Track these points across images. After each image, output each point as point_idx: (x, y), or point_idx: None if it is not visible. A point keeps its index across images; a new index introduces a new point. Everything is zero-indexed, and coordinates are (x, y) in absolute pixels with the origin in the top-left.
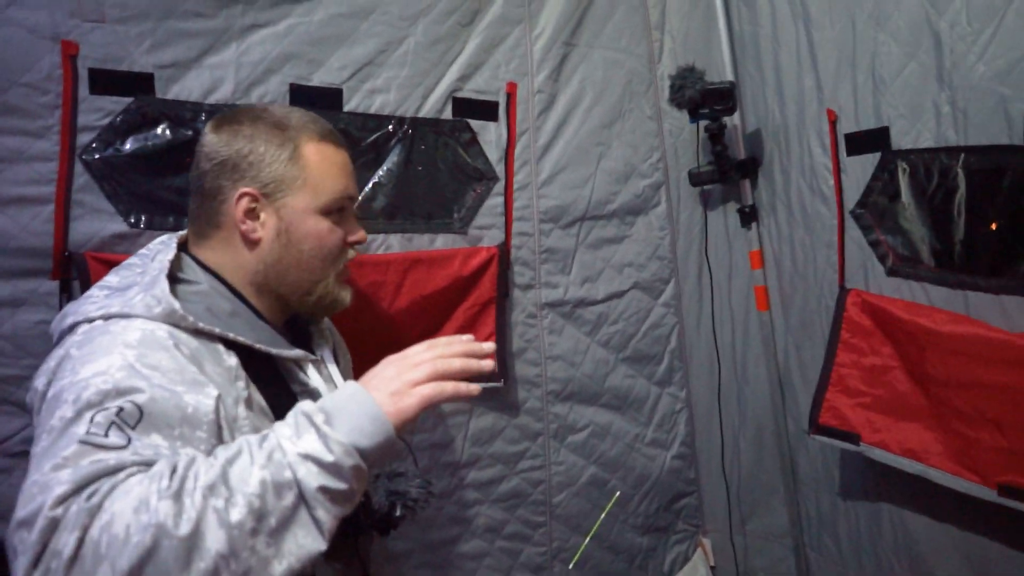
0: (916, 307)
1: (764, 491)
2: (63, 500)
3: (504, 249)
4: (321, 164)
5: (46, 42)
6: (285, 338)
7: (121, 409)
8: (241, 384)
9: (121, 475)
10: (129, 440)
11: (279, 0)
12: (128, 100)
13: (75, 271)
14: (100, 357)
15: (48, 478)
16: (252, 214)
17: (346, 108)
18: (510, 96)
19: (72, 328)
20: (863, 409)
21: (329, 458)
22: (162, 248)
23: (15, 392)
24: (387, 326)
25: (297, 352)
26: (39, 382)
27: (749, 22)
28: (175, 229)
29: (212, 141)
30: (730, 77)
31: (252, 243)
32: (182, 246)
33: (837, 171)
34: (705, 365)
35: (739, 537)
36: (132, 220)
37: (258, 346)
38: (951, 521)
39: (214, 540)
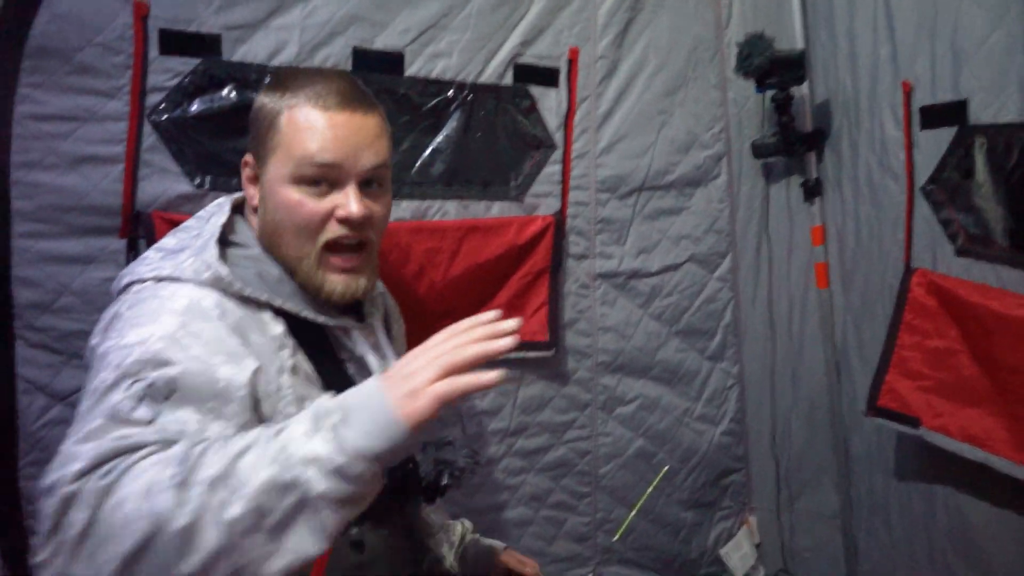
0: (986, 289)
1: (814, 471)
2: (80, 476)
3: (560, 218)
4: (293, 129)
5: (119, 2)
6: (332, 305)
7: (153, 383)
8: (287, 352)
9: (137, 455)
10: (157, 415)
11: None
12: (196, 61)
13: (142, 230)
14: (146, 323)
15: (73, 450)
16: (252, 181)
17: (408, 72)
18: (572, 62)
19: (127, 288)
20: (924, 392)
21: (338, 462)
22: (216, 211)
23: (83, 347)
24: (441, 293)
25: (343, 320)
26: (93, 339)
27: None
28: (238, 191)
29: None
30: (800, 45)
31: (253, 209)
32: (238, 209)
33: (909, 146)
34: (759, 342)
35: (786, 515)
36: (197, 181)
37: (304, 313)
38: (1010, 509)
39: (211, 535)
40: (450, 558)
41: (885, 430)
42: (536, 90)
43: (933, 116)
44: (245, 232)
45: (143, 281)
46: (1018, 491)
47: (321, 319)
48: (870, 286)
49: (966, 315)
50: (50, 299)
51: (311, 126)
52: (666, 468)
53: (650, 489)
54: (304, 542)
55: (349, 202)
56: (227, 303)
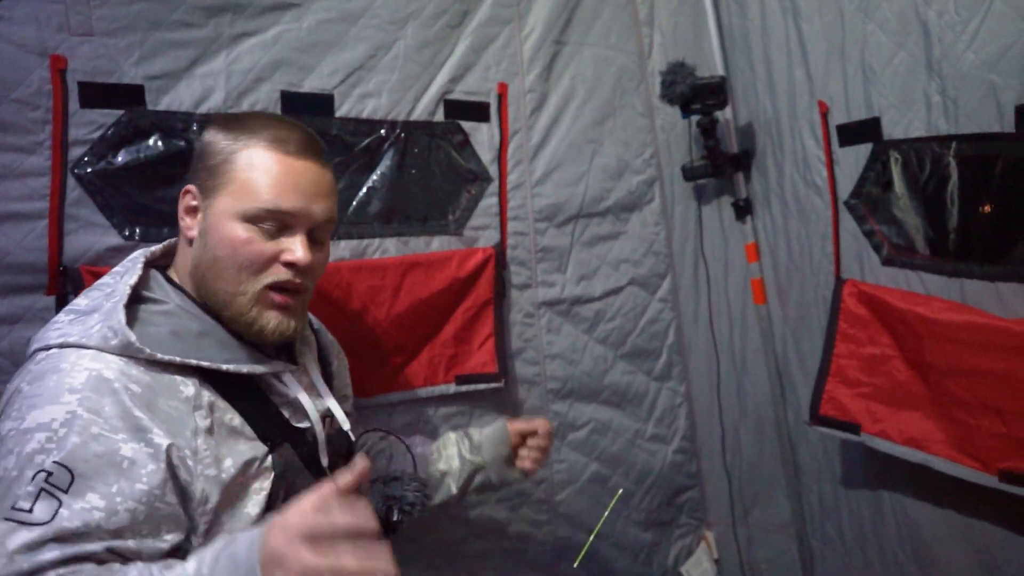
0: (913, 296)
1: (766, 483)
2: None
3: (500, 249)
4: (252, 169)
5: (35, 57)
6: (262, 350)
7: (52, 473)
8: (201, 413)
9: None
10: (56, 510)
11: (267, 8)
12: (119, 112)
13: (71, 285)
14: (44, 403)
15: None
16: (192, 212)
17: (338, 114)
18: (501, 96)
19: (32, 355)
20: (863, 399)
21: None
22: (130, 267)
23: None
24: (386, 330)
25: (266, 368)
26: None
27: (738, 16)
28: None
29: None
30: (720, 72)
31: (188, 242)
32: (154, 263)
33: (830, 162)
34: (704, 359)
35: (742, 529)
36: (127, 232)
37: (226, 367)
38: (953, 508)
39: None
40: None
41: (830, 439)
42: (468, 125)
43: (849, 133)
44: (161, 287)
45: (48, 348)
46: (958, 489)
47: (245, 369)
48: (805, 299)
49: (896, 321)
50: None
51: (270, 169)
52: (620, 491)
53: (607, 512)
54: None
55: (297, 249)
56: (133, 370)
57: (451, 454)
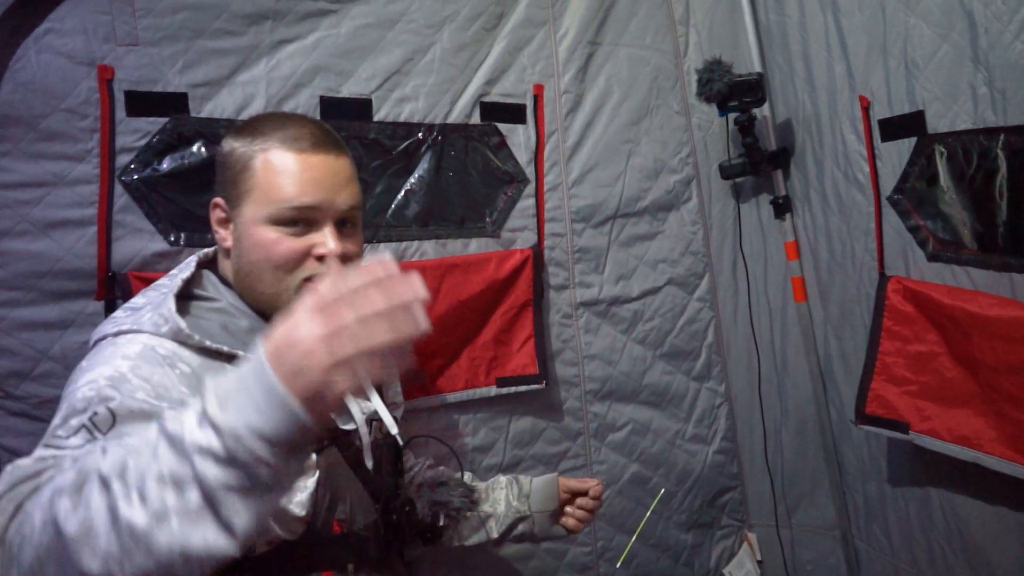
0: (960, 292)
1: (809, 483)
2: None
3: (538, 250)
4: (269, 173)
5: (83, 67)
6: None
7: (95, 414)
8: None
9: (52, 471)
10: (88, 442)
11: (306, 15)
12: (164, 120)
13: (119, 290)
14: (97, 366)
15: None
16: (224, 223)
17: (376, 118)
18: (537, 98)
19: (94, 345)
20: (910, 397)
21: (219, 449)
22: (184, 268)
23: None
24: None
25: None
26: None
27: (775, 12)
28: (214, 245)
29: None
30: (758, 68)
31: (226, 253)
32: (208, 263)
33: (872, 157)
34: (744, 359)
35: (785, 530)
36: (172, 238)
37: None
38: (1006, 506)
39: (105, 541)
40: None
41: (874, 438)
42: (504, 127)
43: (892, 128)
44: (214, 285)
45: (106, 337)
46: (1011, 487)
47: None
48: (847, 296)
49: (943, 318)
50: (29, 366)
51: (287, 169)
52: (662, 491)
53: (648, 513)
54: (213, 542)
55: (328, 241)
56: (184, 353)
57: (498, 497)
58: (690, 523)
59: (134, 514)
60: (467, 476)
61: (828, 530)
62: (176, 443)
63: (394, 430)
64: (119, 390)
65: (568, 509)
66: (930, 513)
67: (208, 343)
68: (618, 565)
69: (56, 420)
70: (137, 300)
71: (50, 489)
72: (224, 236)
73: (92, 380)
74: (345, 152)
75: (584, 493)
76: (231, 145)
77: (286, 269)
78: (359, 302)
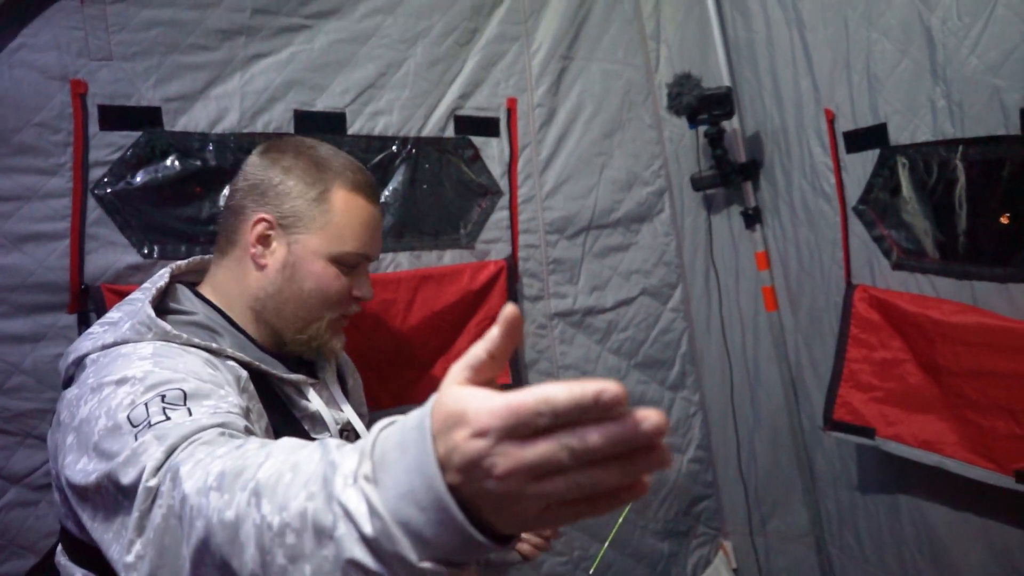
0: (923, 299)
1: (782, 491)
2: (157, 469)
3: (512, 262)
4: (346, 214)
5: (56, 82)
6: (284, 364)
7: (164, 396)
8: (245, 398)
9: (202, 438)
10: (190, 412)
11: (280, 30)
12: (137, 134)
13: (92, 304)
14: (119, 371)
15: (141, 447)
16: (265, 240)
17: (350, 131)
18: (510, 111)
19: (79, 363)
20: (876, 403)
21: (368, 531)
22: (156, 280)
23: (38, 426)
24: (400, 344)
25: (296, 376)
26: (62, 415)
27: (743, 28)
28: (188, 258)
29: (253, 162)
30: (726, 82)
31: (259, 268)
32: (180, 278)
33: (838, 169)
34: (717, 368)
35: (760, 538)
36: (145, 251)
37: (257, 363)
38: (970, 510)
39: (249, 556)
40: None
41: (845, 444)
42: (478, 140)
43: (856, 140)
44: (188, 299)
45: (88, 355)
46: (973, 491)
47: (274, 372)
48: (816, 305)
49: (907, 325)
50: (0, 380)
51: (361, 216)
52: None
53: (620, 519)
54: None
55: (368, 288)
56: (187, 347)
57: None
58: (666, 532)
59: (275, 548)
60: None
61: (802, 537)
62: (327, 485)
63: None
64: (154, 381)
65: (525, 535)
66: (899, 518)
67: (196, 340)
68: (591, 572)
69: (103, 426)
70: (112, 315)
71: (202, 473)
72: (261, 253)
73: (124, 379)
74: None
75: None
76: (292, 163)
77: (332, 304)
78: (576, 443)
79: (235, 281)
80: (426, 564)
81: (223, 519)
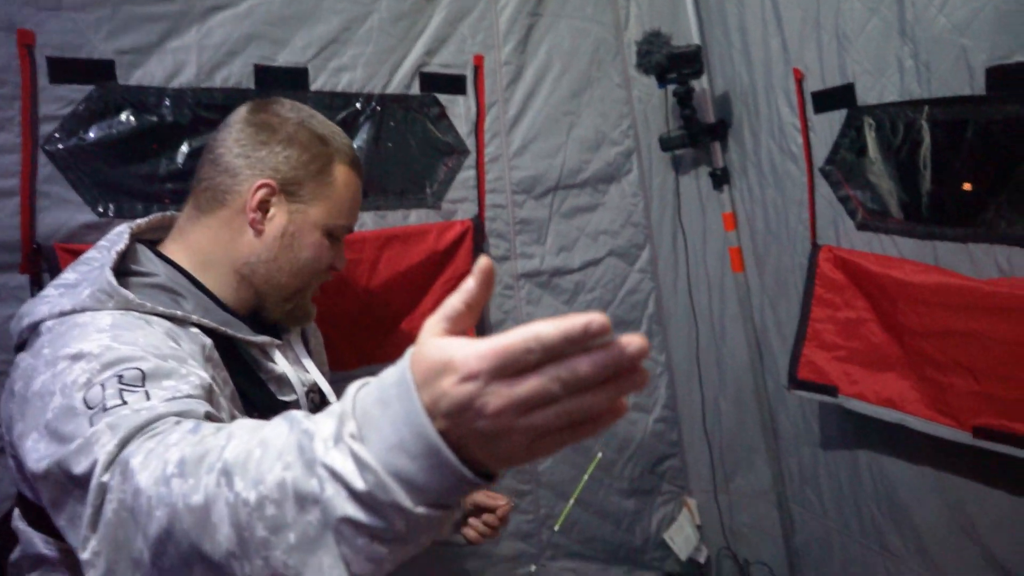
0: (887, 259)
1: (746, 450)
2: (109, 464)
3: (478, 222)
4: (346, 189)
5: (1, 32)
6: (249, 325)
7: (121, 376)
8: (210, 367)
9: (156, 429)
10: (147, 395)
11: None
12: (89, 88)
13: (45, 263)
14: (75, 343)
15: (92, 438)
16: (264, 205)
17: (312, 87)
18: (477, 69)
19: (34, 328)
20: (839, 362)
21: (359, 486)
22: (115, 240)
23: None
24: (365, 304)
25: (262, 337)
26: (16, 385)
27: None
28: (146, 216)
29: (247, 123)
30: (696, 41)
31: (255, 233)
32: (140, 236)
33: (805, 129)
34: (683, 328)
35: (723, 496)
36: (100, 209)
37: (222, 328)
38: (929, 465)
39: (223, 536)
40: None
41: (808, 403)
42: (444, 98)
43: (824, 100)
44: (150, 260)
45: (44, 321)
46: (932, 447)
47: (240, 335)
48: (782, 266)
49: (871, 285)
50: None
51: (352, 191)
52: (599, 455)
53: (585, 477)
54: (328, 564)
55: (343, 258)
56: (150, 317)
57: None
58: (631, 490)
59: (254, 522)
60: None
61: (764, 494)
62: (307, 448)
63: (333, 399)
64: (120, 353)
65: (472, 521)
66: (859, 475)
67: (160, 309)
68: (556, 528)
69: (55, 404)
70: (68, 276)
71: (161, 462)
72: (259, 218)
73: (80, 353)
74: None
75: (491, 510)
76: (295, 132)
77: (319, 273)
78: (566, 374)
79: (218, 242)
80: (421, 509)
81: (189, 504)
